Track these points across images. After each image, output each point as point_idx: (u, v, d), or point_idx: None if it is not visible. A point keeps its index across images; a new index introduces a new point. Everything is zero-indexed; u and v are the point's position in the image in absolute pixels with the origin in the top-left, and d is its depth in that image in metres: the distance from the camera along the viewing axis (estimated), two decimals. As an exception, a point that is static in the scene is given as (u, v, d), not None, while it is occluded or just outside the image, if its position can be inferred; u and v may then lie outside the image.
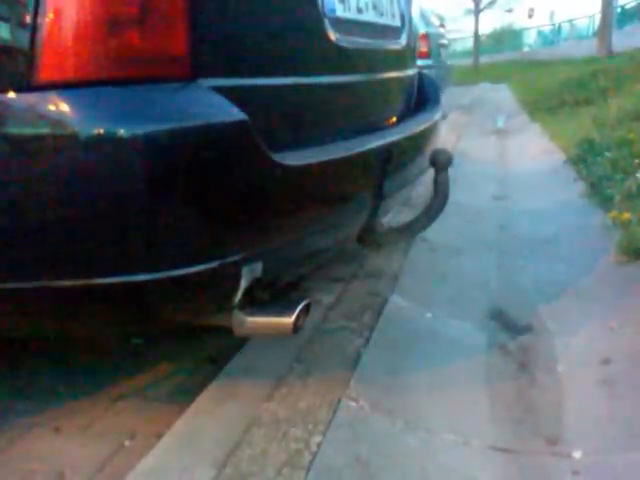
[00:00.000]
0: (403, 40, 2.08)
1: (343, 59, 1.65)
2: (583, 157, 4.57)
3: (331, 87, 1.62)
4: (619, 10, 23.56)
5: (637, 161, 3.87)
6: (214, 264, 1.25)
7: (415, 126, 2.12)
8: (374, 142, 1.78)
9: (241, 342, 1.88)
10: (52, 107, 1.12)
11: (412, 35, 2.21)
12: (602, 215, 3.28)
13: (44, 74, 1.11)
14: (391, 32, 2.01)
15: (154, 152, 1.13)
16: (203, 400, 1.62)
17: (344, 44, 1.62)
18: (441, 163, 2.04)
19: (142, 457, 1.40)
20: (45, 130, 1.13)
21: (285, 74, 1.43)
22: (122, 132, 1.10)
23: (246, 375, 1.73)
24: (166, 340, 2.11)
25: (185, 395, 1.74)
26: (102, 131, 1.11)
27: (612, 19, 17.61)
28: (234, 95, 1.22)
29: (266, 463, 1.32)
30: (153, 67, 1.17)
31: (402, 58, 2.13)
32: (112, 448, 1.56)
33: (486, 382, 1.92)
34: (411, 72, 2.27)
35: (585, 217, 3.45)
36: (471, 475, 1.48)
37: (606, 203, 3.39)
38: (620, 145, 4.48)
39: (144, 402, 1.79)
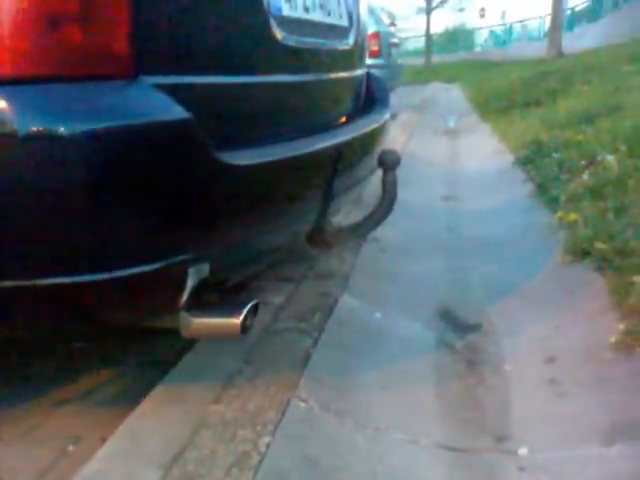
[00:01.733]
0: (351, 40, 2.12)
1: (290, 58, 1.67)
2: (531, 158, 4.70)
3: (278, 86, 1.64)
4: (569, 12, 24.22)
5: (584, 162, 3.99)
6: (159, 265, 1.26)
7: (364, 126, 2.16)
8: (322, 142, 1.81)
9: (189, 344, 1.88)
10: None
11: (360, 35, 2.24)
12: (549, 215, 3.38)
13: None
14: (339, 32, 2.04)
15: (95, 151, 1.13)
16: (149, 403, 1.62)
17: (290, 43, 1.64)
18: (389, 164, 2.08)
19: (86, 462, 1.40)
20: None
21: (230, 73, 1.44)
22: (62, 130, 1.10)
23: (194, 377, 1.74)
24: (111, 343, 2.09)
25: (131, 399, 1.72)
26: (41, 129, 1.11)
27: (562, 21, 18.10)
28: (178, 93, 1.23)
29: (214, 465, 1.33)
30: (94, 64, 1.17)
31: (350, 58, 2.16)
32: (55, 454, 1.55)
33: (435, 381, 1.97)
34: (359, 72, 2.31)
35: (532, 218, 3.54)
36: (419, 474, 1.52)
37: (553, 204, 3.49)
38: (567, 146, 4.61)
39: (88, 406, 1.78)
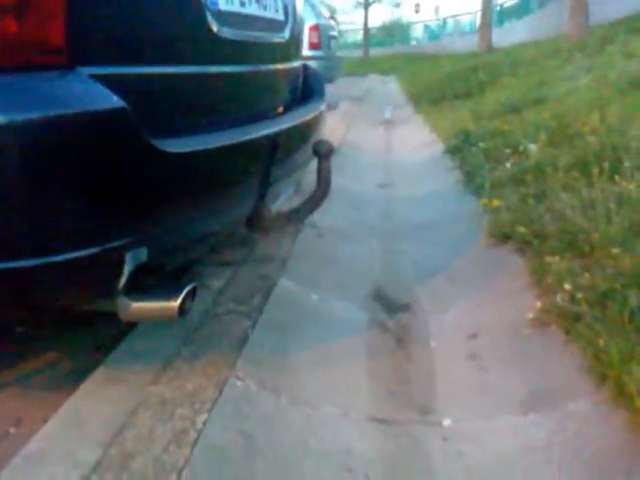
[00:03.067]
0: (286, 33, 2.11)
1: (225, 50, 1.66)
2: (460, 147, 4.78)
3: (213, 77, 1.63)
4: (498, 8, 24.66)
5: (508, 151, 4.09)
6: (95, 250, 1.24)
7: (300, 116, 2.16)
8: (259, 131, 1.81)
9: (130, 328, 1.87)
10: None
11: (296, 29, 2.24)
12: (475, 202, 3.46)
13: None
14: (274, 25, 2.03)
15: (31, 139, 1.12)
16: (89, 385, 1.61)
17: (226, 36, 1.63)
18: (323, 153, 2.10)
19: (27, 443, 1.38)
20: None
21: (167, 63, 1.43)
22: None
23: (133, 359, 1.73)
24: (52, 327, 2.05)
25: (73, 381, 1.70)
26: None
27: (491, 16, 18.41)
28: (114, 83, 1.22)
29: (152, 442, 1.33)
30: (30, 55, 1.15)
31: (286, 51, 2.16)
32: (-5, 436, 1.52)
33: (366, 358, 2.01)
34: (296, 64, 2.31)
35: (460, 204, 3.62)
36: (349, 445, 1.55)
37: (479, 191, 3.56)
38: (494, 136, 4.71)
39: (30, 389, 1.75)
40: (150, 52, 1.37)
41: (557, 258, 2.30)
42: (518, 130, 4.62)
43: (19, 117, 1.10)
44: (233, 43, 1.69)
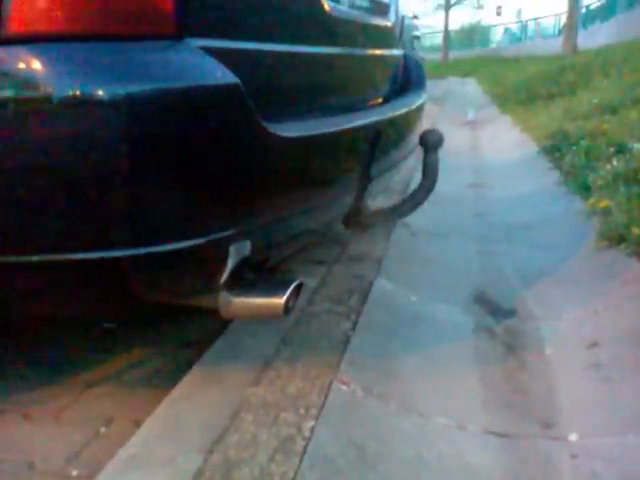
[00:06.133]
0: (392, 17, 1.97)
1: (337, 30, 1.53)
2: (557, 147, 4.51)
3: (324, 58, 1.50)
4: (584, 10, 23.74)
5: (612, 150, 3.81)
6: (200, 240, 1.13)
7: (402, 107, 2.02)
8: (363, 119, 1.67)
9: (221, 326, 1.76)
10: (22, 64, 0.98)
11: (398, 14, 2.09)
12: (579, 202, 3.22)
13: (13, 26, 0.97)
14: (381, 8, 1.89)
15: (137, 115, 1.00)
16: (185, 385, 1.50)
17: (338, 15, 1.50)
18: (432, 143, 1.93)
19: (119, 444, 1.28)
20: (13, 91, 0.98)
21: (279, 40, 1.30)
22: (101, 93, 0.97)
23: (230, 359, 1.62)
24: (141, 323, 1.96)
25: (163, 380, 1.62)
26: (79, 92, 0.97)
27: (578, 19, 17.69)
28: (224, 58, 1.10)
29: (257, 449, 1.21)
30: (138, 23, 1.04)
31: (390, 36, 2.02)
32: (86, 435, 1.43)
33: (475, 365, 1.83)
34: (397, 52, 2.16)
35: (562, 204, 3.38)
36: (467, 460, 1.39)
37: (582, 191, 3.33)
38: (593, 135, 4.42)
39: (120, 388, 1.66)
40: (262, 27, 1.25)
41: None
42: (619, 129, 4.31)
43: (121, 91, 0.99)
44: (344, 23, 1.55)
